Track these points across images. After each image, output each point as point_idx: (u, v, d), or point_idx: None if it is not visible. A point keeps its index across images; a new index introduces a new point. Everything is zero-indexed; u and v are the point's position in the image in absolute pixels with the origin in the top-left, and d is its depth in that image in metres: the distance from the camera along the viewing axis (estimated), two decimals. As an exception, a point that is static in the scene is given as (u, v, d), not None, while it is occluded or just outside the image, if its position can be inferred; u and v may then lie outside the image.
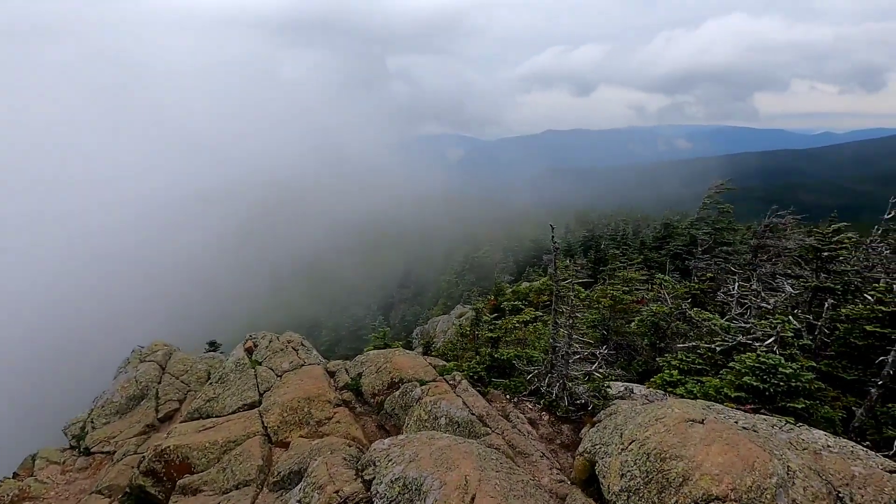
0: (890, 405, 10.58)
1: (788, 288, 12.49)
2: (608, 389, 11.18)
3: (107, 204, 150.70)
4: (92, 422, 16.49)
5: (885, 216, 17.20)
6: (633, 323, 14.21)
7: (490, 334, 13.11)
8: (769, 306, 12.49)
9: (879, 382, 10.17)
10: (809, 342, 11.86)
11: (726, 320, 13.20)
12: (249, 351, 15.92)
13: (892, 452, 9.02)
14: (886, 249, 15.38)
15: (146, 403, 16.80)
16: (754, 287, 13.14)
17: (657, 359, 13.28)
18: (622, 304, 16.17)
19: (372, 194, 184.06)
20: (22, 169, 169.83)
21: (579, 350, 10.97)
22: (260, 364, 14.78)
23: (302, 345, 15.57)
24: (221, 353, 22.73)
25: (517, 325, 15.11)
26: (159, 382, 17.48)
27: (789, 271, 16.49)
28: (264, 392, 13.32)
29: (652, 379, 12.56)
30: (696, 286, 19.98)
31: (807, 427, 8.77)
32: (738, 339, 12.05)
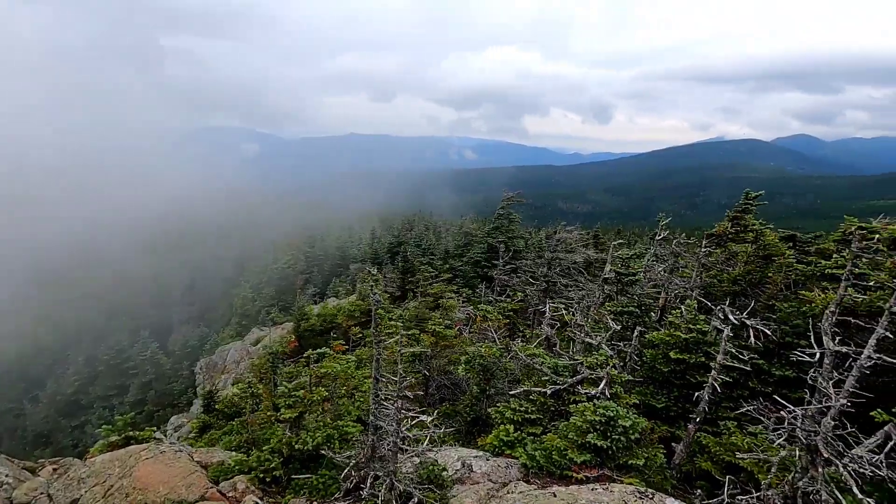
0: (699, 435, 10.90)
1: (612, 324, 12.35)
2: (444, 473, 8.96)
3: None
4: None
5: (657, 237, 19.33)
6: (459, 368, 12.51)
7: (289, 412, 9.64)
8: (594, 342, 12.09)
9: (697, 420, 10.23)
10: (628, 376, 11.74)
11: (552, 357, 12.41)
12: None
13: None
14: (663, 270, 16.95)
15: None
16: (578, 321, 12.75)
17: (489, 409, 11.71)
18: (445, 341, 14.43)
19: (143, 191, 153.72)
20: None
21: (409, 435, 8.45)
22: None
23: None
24: None
25: (323, 387, 11.90)
26: None
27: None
28: None
29: (486, 439, 10.88)
30: (509, 306, 19.77)
31: (659, 496, 7.92)
32: (569, 381, 11.20)
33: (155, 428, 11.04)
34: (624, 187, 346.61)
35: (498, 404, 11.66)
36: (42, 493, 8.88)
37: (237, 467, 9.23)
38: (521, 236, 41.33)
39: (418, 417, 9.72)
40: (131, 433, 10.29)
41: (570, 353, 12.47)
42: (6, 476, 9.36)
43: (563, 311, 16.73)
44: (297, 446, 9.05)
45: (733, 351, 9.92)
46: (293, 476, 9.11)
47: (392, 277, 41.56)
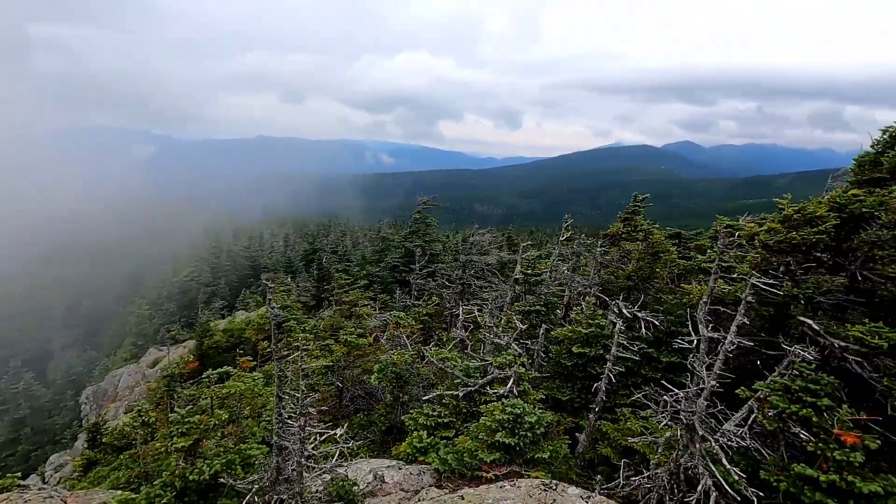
0: (599, 423, 11.66)
1: (519, 324, 12.81)
2: (354, 488, 8.74)
3: None
4: None
5: (561, 238, 20.45)
6: (373, 377, 12.30)
7: (183, 440, 8.85)
8: (503, 342, 12.47)
9: (596, 409, 10.91)
10: (536, 373, 12.27)
11: (464, 359, 12.63)
12: None
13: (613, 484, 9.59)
14: (567, 269, 17.97)
15: None
16: (488, 322, 13.09)
17: (403, 417, 11.63)
18: (358, 350, 14.13)
19: (13, 200, 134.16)
20: None
21: (315, 454, 8.13)
22: None
23: None
24: None
25: (227, 408, 11.15)
26: None
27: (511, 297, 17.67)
28: None
29: (400, 447, 10.80)
30: (424, 311, 19.85)
31: (562, 486, 8.33)
32: (480, 382, 11.46)
33: (18, 473, 9.60)
34: (535, 190, 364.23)
35: (412, 411, 11.62)
36: None
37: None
38: (438, 240, 41.78)
39: (327, 433, 9.41)
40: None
41: (482, 354, 12.77)
42: None
43: (476, 313, 17.15)
44: (191, 477, 8.34)
45: (625, 343, 10.73)
46: (189, 510, 8.39)
47: (306, 286, 40.07)
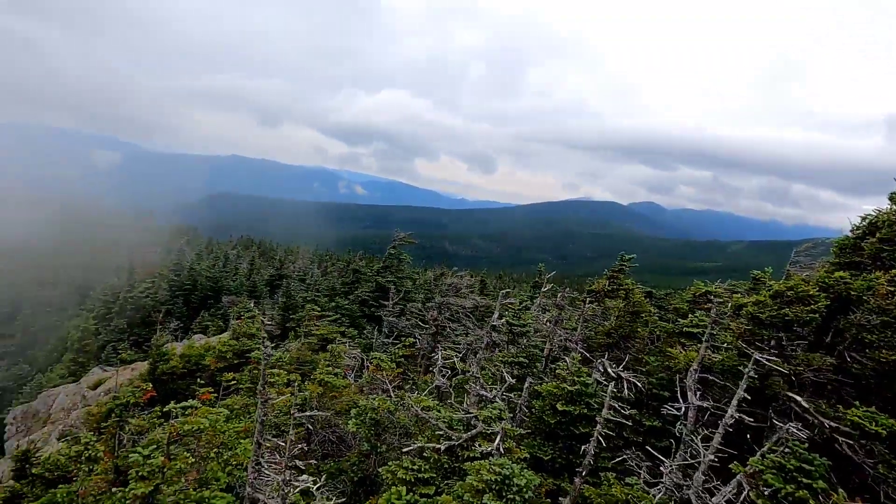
0: (584, 487, 11.29)
1: (509, 378, 12.51)
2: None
3: None
4: None
5: (543, 288, 20.51)
6: (349, 421, 11.61)
7: (143, 486, 7.96)
8: (489, 395, 12.10)
9: (583, 473, 10.59)
10: (519, 429, 11.89)
11: (446, 409, 12.14)
12: None
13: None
14: (548, 321, 17.94)
15: None
16: (474, 372, 12.72)
17: (379, 468, 10.94)
18: (334, 391, 13.41)
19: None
20: None
21: (296, 510, 7.46)
22: None
23: None
24: None
25: (184, 445, 10.22)
26: None
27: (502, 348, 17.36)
28: None
29: (377, 502, 10.09)
30: (400, 353, 19.27)
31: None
32: (464, 436, 10.98)
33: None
34: (504, 235, 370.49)
35: (389, 462, 10.96)
36: None
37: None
38: (409, 277, 41.40)
39: (302, 484, 8.72)
40: None
41: (465, 405, 12.33)
42: None
43: (455, 359, 16.72)
44: (148, 530, 7.46)
45: (616, 406, 10.57)
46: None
47: (271, 314, 38.61)
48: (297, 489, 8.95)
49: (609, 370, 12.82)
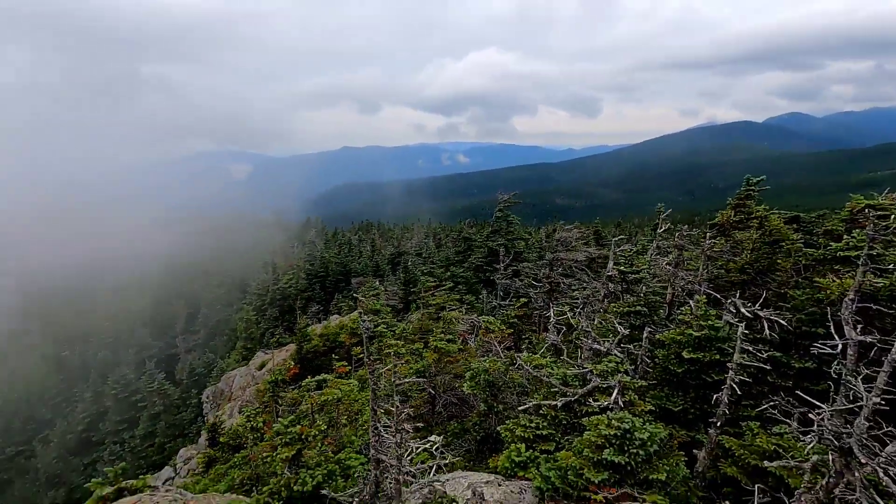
0: (721, 438, 10.34)
1: (620, 328, 11.81)
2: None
3: None
4: None
5: (659, 230, 18.81)
6: (464, 384, 11.97)
7: (287, 451, 9.12)
8: (603, 348, 11.56)
9: (718, 423, 9.67)
10: (641, 381, 11.18)
11: (560, 366, 11.87)
12: None
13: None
14: (668, 264, 16.41)
15: None
16: (585, 326, 12.21)
17: (498, 427, 11.15)
18: (448, 356, 13.90)
19: (131, 223, 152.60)
20: None
21: (412, 469, 7.92)
22: None
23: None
24: None
25: (325, 414, 11.40)
26: None
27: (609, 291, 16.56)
28: None
29: (498, 459, 10.33)
30: (513, 313, 19.24)
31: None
32: (579, 391, 10.66)
33: (149, 476, 10.48)
34: (619, 179, 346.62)
35: (507, 421, 11.10)
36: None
37: (237, 515, 8.73)
38: (521, 237, 40.86)
39: (423, 445, 9.21)
40: (124, 484, 9.75)
41: (579, 360, 11.93)
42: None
43: (569, 314, 16.21)
44: (296, 488, 8.52)
45: (750, 349, 9.38)
46: (295, 519, 8.58)
47: (394, 290, 41.06)
48: (420, 448, 9.50)
49: (742, 310, 11.39)
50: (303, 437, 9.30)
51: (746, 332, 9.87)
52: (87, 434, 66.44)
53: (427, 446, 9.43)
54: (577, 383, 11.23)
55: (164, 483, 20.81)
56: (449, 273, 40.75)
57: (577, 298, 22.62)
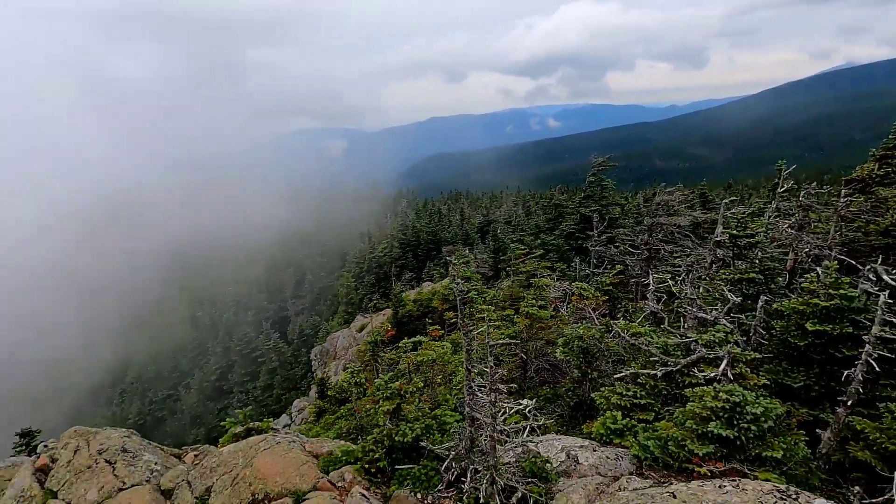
0: (851, 419, 9.27)
1: (730, 296, 10.90)
2: (547, 465, 8.53)
3: None
4: None
5: (779, 189, 16.81)
6: (557, 350, 11.88)
7: (387, 404, 9.78)
8: (709, 317, 10.77)
9: (849, 402, 8.67)
10: (754, 354, 10.28)
11: (660, 335, 11.29)
12: (44, 471, 10.89)
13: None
14: (790, 227, 14.65)
15: None
16: (689, 293, 11.42)
17: (592, 393, 10.98)
18: (540, 322, 13.83)
19: (245, 197, 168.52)
20: None
21: (506, 428, 8.10)
22: (55, 496, 9.96)
23: (123, 451, 10.87)
24: (34, 452, 16.65)
25: (421, 373, 11.99)
26: None
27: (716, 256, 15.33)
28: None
29: (592, 426, 10.23)
30: (608, 280, 18.53)
31: (805, 496, 6.79)
32: (682, 362, 10.09)
33: (271, 420, 11.88)
34: (730, 136, 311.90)
35: (602, 388, 10.88)
36: (183, 481, 9.94)
37: (344, 458, 9.58)
38: (616, 203, 38.82)
39: (516, 407, 9.37)
40: (252, 425, 11.17)
41: (682, 329, 11.24)
42: (155, 464, 10.64)
43: (670, 282, 15.25)
44: (397, 438, 9.15)
45: (894, 321, 8.18)
46: (397, 466, 9.24)
47: (483, 258, 41.37)
48: (513, 410, 9.68)
49: (885, 277, 9.94)
50: (401, 392, 9.89)
51: (889, 301, 8.60)
52: (219, 383, 76.58)
53: (520, 409, 9.60)
54: (679, 353, 10.63)
55: (283, 428, 23.42)
56: (539, 241, 40.05)
57: (680, 266, 21.14)
